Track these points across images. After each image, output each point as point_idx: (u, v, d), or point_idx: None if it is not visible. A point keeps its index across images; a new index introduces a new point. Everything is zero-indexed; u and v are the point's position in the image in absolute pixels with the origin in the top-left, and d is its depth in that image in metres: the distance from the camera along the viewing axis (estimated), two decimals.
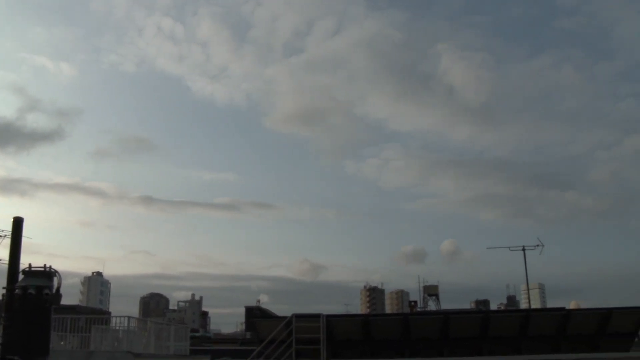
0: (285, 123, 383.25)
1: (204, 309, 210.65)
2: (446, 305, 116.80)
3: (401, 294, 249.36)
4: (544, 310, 47.86)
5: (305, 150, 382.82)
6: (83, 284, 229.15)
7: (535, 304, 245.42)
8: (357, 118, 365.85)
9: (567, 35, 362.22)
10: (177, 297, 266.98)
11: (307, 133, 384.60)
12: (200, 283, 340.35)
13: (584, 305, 58.39)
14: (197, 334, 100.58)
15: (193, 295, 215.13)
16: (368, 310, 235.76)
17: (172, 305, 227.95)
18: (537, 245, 57.02)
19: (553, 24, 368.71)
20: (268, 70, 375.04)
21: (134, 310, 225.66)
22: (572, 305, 57.46)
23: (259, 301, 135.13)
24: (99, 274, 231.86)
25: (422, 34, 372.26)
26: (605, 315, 27.25)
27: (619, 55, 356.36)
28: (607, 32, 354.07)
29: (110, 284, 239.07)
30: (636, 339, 29.09)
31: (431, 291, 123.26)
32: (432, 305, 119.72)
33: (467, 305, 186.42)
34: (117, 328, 25.03)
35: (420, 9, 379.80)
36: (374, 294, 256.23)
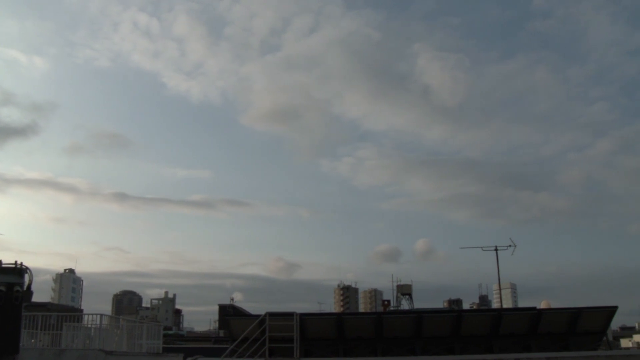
0: (261, 121, 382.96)
1: (177, 306, 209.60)
2: (419, 304, 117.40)
3: (375, 293, 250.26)
4: (515, 310, 48.36)
5: (280, 149, 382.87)
6: (55, 281, 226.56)
7: (507, 304, 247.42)
8: (332, 117, 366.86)
9: (540, 38, 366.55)
10: (150, 294, 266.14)
11: (282, 131, 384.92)
12: (174, 281, 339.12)
13: (555, 304, 59.02)
14: (170, 332, 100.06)
15: (166, 293, 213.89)
16: (342, 309, 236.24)
17: (145, 303, 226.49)
18: (509, 246, 57.56)
19: (527, 26, 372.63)
20: (244, 68, 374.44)
21: (107, 308, 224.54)
22: (542, 304, 57.98)
23: (232, 299, 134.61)
24: (71, 271, 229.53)
25: (399, 34, 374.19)
26: (574, 315, 27.64)
27: (590, 58, 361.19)
28: (579, 36, 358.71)
29: (82, 281, 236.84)
30: (604, 338, 29.49)
31: (404, 290, 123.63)
32: (405, 305, 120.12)
33: (440, 304, 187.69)
34: (89, 326, 24.81)
35: (396, 9, 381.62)
36: (347, 292, 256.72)
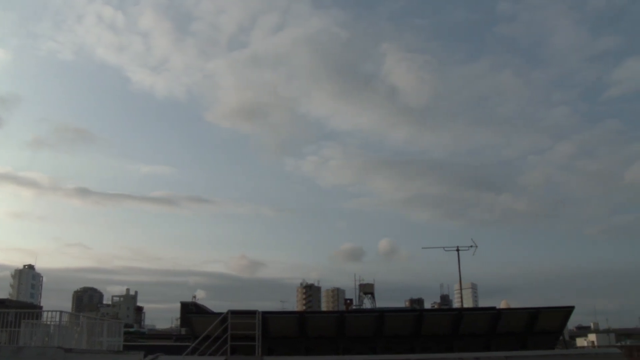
0: (227, 118, 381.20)
1: (138, 304, 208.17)
2: (381, 303, 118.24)
3: (337, 292, 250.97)
4: (475, 310, 48.97)
5: (245, 146, 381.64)
6: (13, 277, 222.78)
7: (468, 303, 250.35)
8: (298, 115, 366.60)
9: (505, 42, 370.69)
10: (111, 291, 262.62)
11: (248, 129, 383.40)
12: (136, 278, 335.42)
13: (514, 304, 59.84)
14: (131, 330, 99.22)
15: (128, 290, 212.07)
16: (304, 307, 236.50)
17: (107, 300, 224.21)
18: (471, 246, 58.10)
19: (493, 29, 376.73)
20: (210, 64, 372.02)
21: (67, 305, 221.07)
22: (502, 304, 58.80)
23: (194, 297, 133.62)
24: (30, 267, 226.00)
25: (366, 34, 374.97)
26: (533, 315, 28.15)
27: (553, 63, 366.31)
28: (543, 41, 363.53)
29: (42, 277, 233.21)
30: (561, 337, 30.08)
31: (367, 289, 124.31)
32: (367, 304, 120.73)
33: (402, 303, 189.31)
34: (48, 323, 24.49)
35: (363, 8, 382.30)
36: (310, 291, 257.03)
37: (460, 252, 58.28)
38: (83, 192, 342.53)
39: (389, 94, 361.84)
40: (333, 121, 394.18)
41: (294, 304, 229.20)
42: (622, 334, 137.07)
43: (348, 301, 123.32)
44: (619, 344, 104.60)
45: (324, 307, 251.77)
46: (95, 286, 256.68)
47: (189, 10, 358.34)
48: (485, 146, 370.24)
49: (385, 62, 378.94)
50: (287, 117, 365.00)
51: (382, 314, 29.12)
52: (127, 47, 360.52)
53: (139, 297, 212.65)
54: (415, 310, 48.83)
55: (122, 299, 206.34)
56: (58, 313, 23.42)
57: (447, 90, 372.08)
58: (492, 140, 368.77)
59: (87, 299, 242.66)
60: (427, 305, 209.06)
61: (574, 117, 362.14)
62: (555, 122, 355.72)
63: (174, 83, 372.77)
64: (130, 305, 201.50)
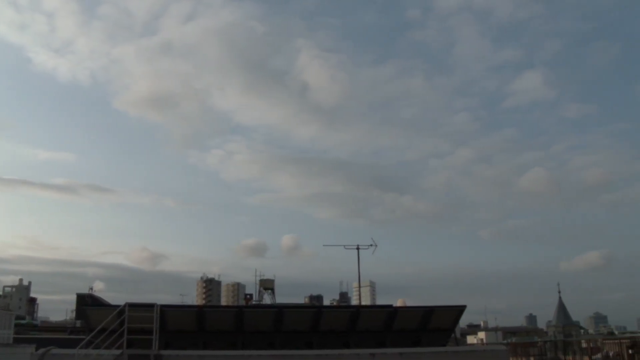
0: (135, 106, 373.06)
1: (32, 295, 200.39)
2: (281, 299, 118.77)
3: (237, 287, 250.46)
4: (373, 307, 50.10)
5: (151, 136, 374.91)
6: None
7: (366, 301, 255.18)
8: (206, 107, 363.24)
9: (414, 46, 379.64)
10: (3, 281, 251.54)
11: (156, 118, 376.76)
12: (30, 267, 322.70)
13: (410, 303, 61.66)
14: (22, 322, 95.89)
15: (21, 280, 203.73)
16: (204, 301, 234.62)
17: None
18: (371, 245, 59.03)
19: (403, 34, 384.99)
20: (117, 50, 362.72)
21: None
22: (398, 302, 60.51)
23: (91, 288, 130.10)
24: None
25: (280, 29, 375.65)
26: (427, 313, 29.13)
27: (457, 71, 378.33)
28: (449, 48, 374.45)
29: None
30: (453, 335, 31.29)
31: (267, 285, 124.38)
32: (267, 299, 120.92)
33: (302, 300, 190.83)
34: None
35: (277, 4, 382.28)
36: (210, 285, 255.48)
37: (360, 250, 59.20)
38: None
39: (300, 91, 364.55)
40: (240, 115, 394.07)
41: (193, 297, 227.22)
42: (509, 332, 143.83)
43: (248, 296, 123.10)
44: (505, 341, 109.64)
45: (223, 301, 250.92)
46: None
47: None
48: (389, 148, 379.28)
49: (299, 59, 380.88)
50: (196, 108, 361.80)
51: (281, 310, 29.42)
52: (30, 26, 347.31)
53: (33, 288, 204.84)
54: (313, 307, 49.51)
55: (14, 289, 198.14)
56: None
57: (356, 90, 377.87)
58: (395, 142, 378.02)
59: None
60: (326, 302, 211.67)
61: (474, 124, 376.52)
62: (457, 127, 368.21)
63: (78, 67, 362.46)
64: (22, 296, 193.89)
